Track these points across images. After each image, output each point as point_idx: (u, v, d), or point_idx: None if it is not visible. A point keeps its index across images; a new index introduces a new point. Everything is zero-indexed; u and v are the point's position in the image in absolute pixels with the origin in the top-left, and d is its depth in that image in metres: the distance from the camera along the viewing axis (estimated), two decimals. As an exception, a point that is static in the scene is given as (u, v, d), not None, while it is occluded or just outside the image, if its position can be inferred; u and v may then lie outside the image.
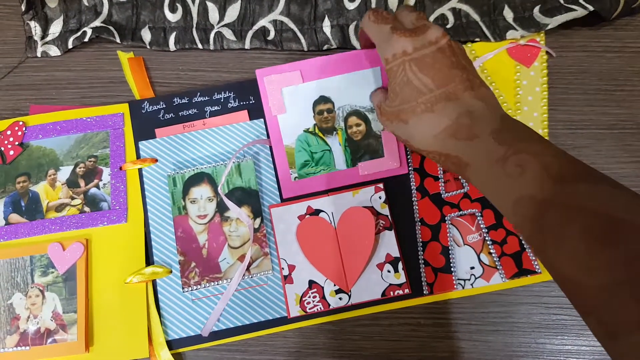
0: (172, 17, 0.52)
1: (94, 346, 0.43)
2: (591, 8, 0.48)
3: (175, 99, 0.49)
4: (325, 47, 0.51)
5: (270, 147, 0.47)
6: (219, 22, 0.52)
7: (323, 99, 0.44)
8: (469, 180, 0.34)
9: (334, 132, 0.45)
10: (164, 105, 0.49)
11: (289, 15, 0.52)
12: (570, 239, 0.26)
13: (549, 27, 0.48)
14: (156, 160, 0.47)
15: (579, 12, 0.48)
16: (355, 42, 0.51)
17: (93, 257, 0.45)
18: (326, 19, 0.51)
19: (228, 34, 0.51)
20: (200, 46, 0.51)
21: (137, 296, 0.44)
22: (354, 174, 0.44)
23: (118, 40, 0.51)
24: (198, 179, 0.46)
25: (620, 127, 0.48)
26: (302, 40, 0.51)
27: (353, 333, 0.44)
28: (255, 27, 0.52)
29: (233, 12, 0.52)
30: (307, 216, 0.45)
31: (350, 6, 0.51)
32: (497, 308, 0.44)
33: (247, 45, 0.51)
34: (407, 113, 0.35)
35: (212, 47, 0.51)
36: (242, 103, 0.49)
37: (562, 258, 0.27)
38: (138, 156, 0.48)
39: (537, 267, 0.42)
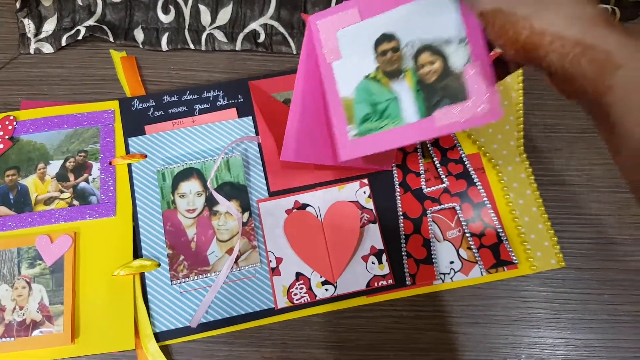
0: (165, 19, 0.53)
1: (79, 338, 0.43)
2: None
3: (165, 97, 0.50)
4: None
5: (259, 144, 0.49)
6: (210, 24, 0.54)
7: (386, 37, 0.36)
8: (607, 89, 0.25)
9: (401, 75, 0.36)
10: (154, 103, 0.50)
11: (279, 20, 0.54)
12: None
13: None
14: (145, 156, 0.48)
15: None
16: None
17: (81, 250, 0.45)
18: None
19: (219, 35, 0.53)
20: (192, 47, 0.53)
21: (125, 289, 0.44)
22: (428, 126, 0.35)
23: (111, 39, 0.52)
24: (187, 174, 0.47)
25: (592, 131, 0.51)
26: (292, 44, 0.53)
27: (338, 325, 0.45)
28: (246, 30, 0.54)
29: (225, 15, 0.54)
30: (295, 210, 0.46)
31: None
32: (476, 301, 0.45)
33: (238, 47, 0.53)
34: None
35: (203, 48, 0.53)
36: (230, 101, 0.50)
37: None
38: (127, 152, 0.49)
39: (514, 257, 0.44)
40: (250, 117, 0.49)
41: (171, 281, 0.44)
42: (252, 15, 0.54)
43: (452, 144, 0.47)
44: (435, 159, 0.47)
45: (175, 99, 0.50)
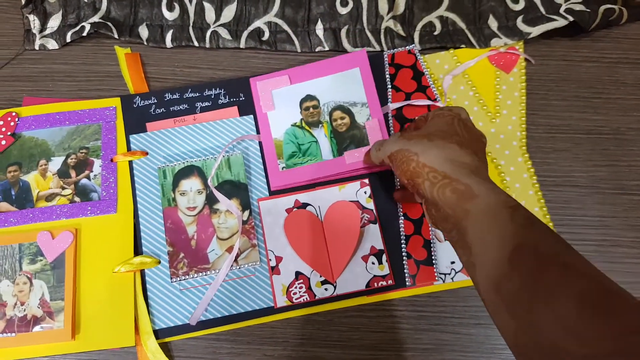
0: (170, 16, 0.53)
1: (80, 334, 0.43)
2: (571, 19, 0.50)
3: (167, 95, 0.50)
4: (317, 49, 0.53)
5: (260, 143, 0.48)
6: (215, 22, 0.53)
7: (309, 97, 0.48)
8: (464, 213, 0.31)
9: (320, 125, 0.47)
10: (155, 100, 0.50)
11: (283, 18, 0.54)
12: (565, 300, 0.25)
13: (531, 35, 0.51)
14: (147, 153, 0.48)
15: (559, 22, 0.50)
16: (347, 45, 0.53)
17: (82, 246, 0.45)
18: (319, 22, 0.53)
19: (224, 33, 0.53)
20: (196, 44, 0.53)
21: (125, 285, 0.44)
22: (340, 163, 0.46)
23: (116, 36, 0.52)
24: (188, 171, 0.47)
25: (597, 132, 0.50)
26: (296, 42, 0.53)
27: (340, 324, 0.44)
28: (251, 28, 0.53)
29: (229, 13, 0.54)
30: (295, 209, 0.46)
31: (343, 11, 0.53)
32: (478, 302, 0.45)
33: (242, 45, 0.53)
34: (438, 136, 0.35)
35: (208, 45, 0.53)
36: (232, 100, 0.50)
37: (549, 319, 0.25)
38: (129, 149, 0.49)
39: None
40: (252, 116, 0.49)
41: (171, 278, 0.44)
42: (257, 13, 0.54)
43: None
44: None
45: (177, 97, 0.50)
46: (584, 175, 0.49)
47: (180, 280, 0.44)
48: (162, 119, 0.50)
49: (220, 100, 0.50)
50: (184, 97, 0.50)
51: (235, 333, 0.44)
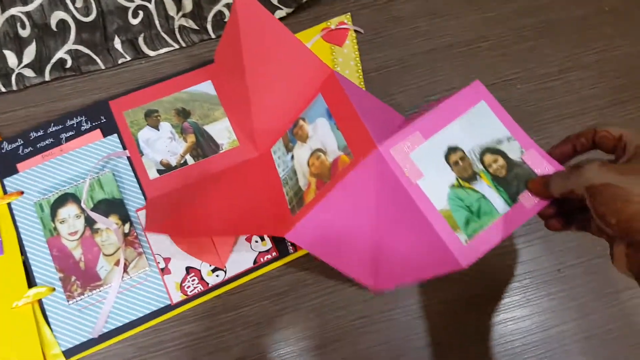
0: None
1: (-12, 375, 0.45)
2: None
3: (32, 133, 0.52)
4: (120, 61, 0.56)
5: (128, 157, 0.52)
6: (18, 65, 0.55)
7: (452, 150, 0.41)
8: None
9: (477, 177, 0.40)
10: (22, 141, 0.52)
11: (82, 43, 0.56)
12: None
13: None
14: (22, 193, 0.50)
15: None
16: (147, 50, 0.56)
17: (-25, 294, 0.47)
18: (116, 37, 0.56)
19: (28, 72, 0.55)
20: (3, 90, 0.54)
21: (26, 318, 0.47)
22: (520, 210, 0.39)
23: None
24: (63, 200, 0.49)
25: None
26: (98, 61, 0.56)
27: (232, 303, 0.49)
28: (53, 60, 0.55)
29: (30, 53, 0.55)
30: (173, 210, 0.50)
31: (135, 21, 0.57)
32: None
33: (47, 78, 0.55)
34: None
35: (15, 88, 0.54)
36: (94, 124, 0.53)
37: None
38: (5, 192, 0.50)
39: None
40: (116, 135, 0.52)
41: (68, 301, 0.47)
42: (56, 45, 0.55)
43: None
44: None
45: (42, 133, 0.52)
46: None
47: (77, 301, 0.47)
48: (31, 157, 0.51)
49: (83, 127, 0.53)
50: (48, 131, 0.52)
51: (136, 337, 0.47)
